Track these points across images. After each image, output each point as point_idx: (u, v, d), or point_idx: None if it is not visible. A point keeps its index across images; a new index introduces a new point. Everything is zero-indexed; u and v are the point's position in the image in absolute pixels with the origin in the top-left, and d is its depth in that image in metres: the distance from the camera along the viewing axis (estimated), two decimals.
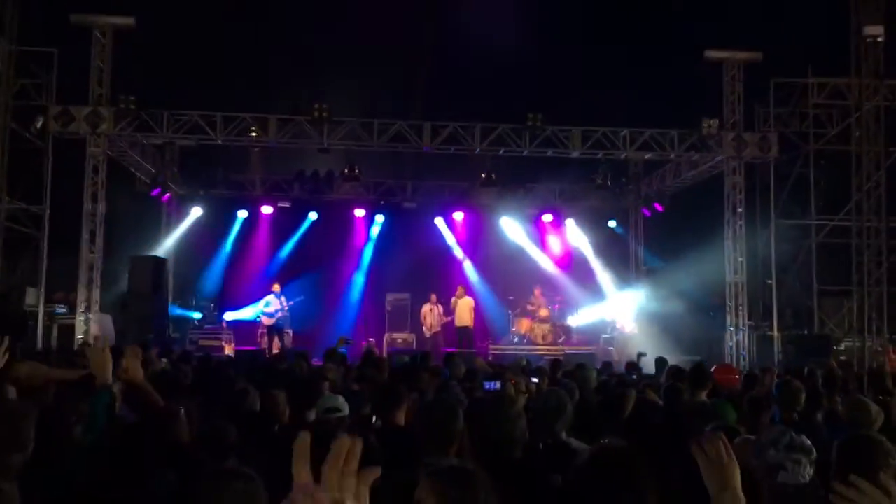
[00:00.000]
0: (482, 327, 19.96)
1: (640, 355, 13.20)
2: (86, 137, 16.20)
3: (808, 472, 2.68)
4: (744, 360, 17.03)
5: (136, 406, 3.87)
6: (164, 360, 6.63)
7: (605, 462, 2.64)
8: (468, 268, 21.36)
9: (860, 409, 4.99)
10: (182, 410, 4.03)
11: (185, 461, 3.42)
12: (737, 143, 17.19)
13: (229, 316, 19.64)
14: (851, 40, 16.64)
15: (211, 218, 20.69)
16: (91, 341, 15.44)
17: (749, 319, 17.55)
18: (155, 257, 18.32)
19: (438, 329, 18.93)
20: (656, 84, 16.53)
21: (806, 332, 17.86)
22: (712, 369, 15.41)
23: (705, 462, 2.32)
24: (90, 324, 16.02)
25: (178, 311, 19.23)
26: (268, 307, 18.39)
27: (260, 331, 19.02)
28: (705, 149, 17.44)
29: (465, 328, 18.60)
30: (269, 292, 18.60)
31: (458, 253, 21.43)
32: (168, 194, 19.34)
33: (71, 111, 16.13)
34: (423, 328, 19.21)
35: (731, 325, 17.34)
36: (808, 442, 3.10)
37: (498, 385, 4.48)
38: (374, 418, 5.18)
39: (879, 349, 16.40)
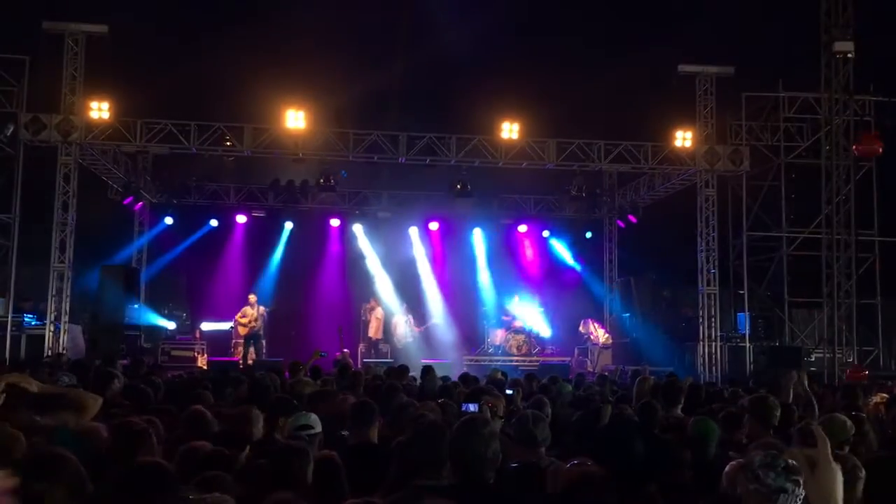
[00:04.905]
0: (458, 337, 19.93)
1: (619, 368, 13.30)
2: (57, 146, 16.00)
3: (801, 497, 2.66)
4: (715, 370, 17.17)
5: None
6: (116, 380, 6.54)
7: (579, 490, 2.65)
8: (438, 278, 21.25)
9: (835, 426, 4.95)
10: (153, 434, 3.97)
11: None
12: (709, 156, 17.36)
13: (206, 326, 19.46)
14: (822, 56, 16.90)
15: (184, 227, 20.45)
16: (60, 351, 15.27)
17: (721, 330, 17.71)
18: (127, 266, 18.13)
19: (410, 339, 18.95)
20: (631, 97, 16.66)
21: (777, 343, 18.05)
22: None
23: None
24: (60, 334, 15.78)
25: (151, 321, 18.99)
26: (243, 318, 18.24)
27: (234, 341, 18.86)
28: (678, 162, 17.62)
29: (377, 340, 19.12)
30: (244, 303, 18.44)
31: (422, 266, 21.32)
32: (141, 203, 19.15)
33: (42, 119, 15.91)
34: (394, 339, 19.19)
35: (703, 336, 17.47)
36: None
37: (475, 407, 4.46)
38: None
39: (850, 360, 16.61)
